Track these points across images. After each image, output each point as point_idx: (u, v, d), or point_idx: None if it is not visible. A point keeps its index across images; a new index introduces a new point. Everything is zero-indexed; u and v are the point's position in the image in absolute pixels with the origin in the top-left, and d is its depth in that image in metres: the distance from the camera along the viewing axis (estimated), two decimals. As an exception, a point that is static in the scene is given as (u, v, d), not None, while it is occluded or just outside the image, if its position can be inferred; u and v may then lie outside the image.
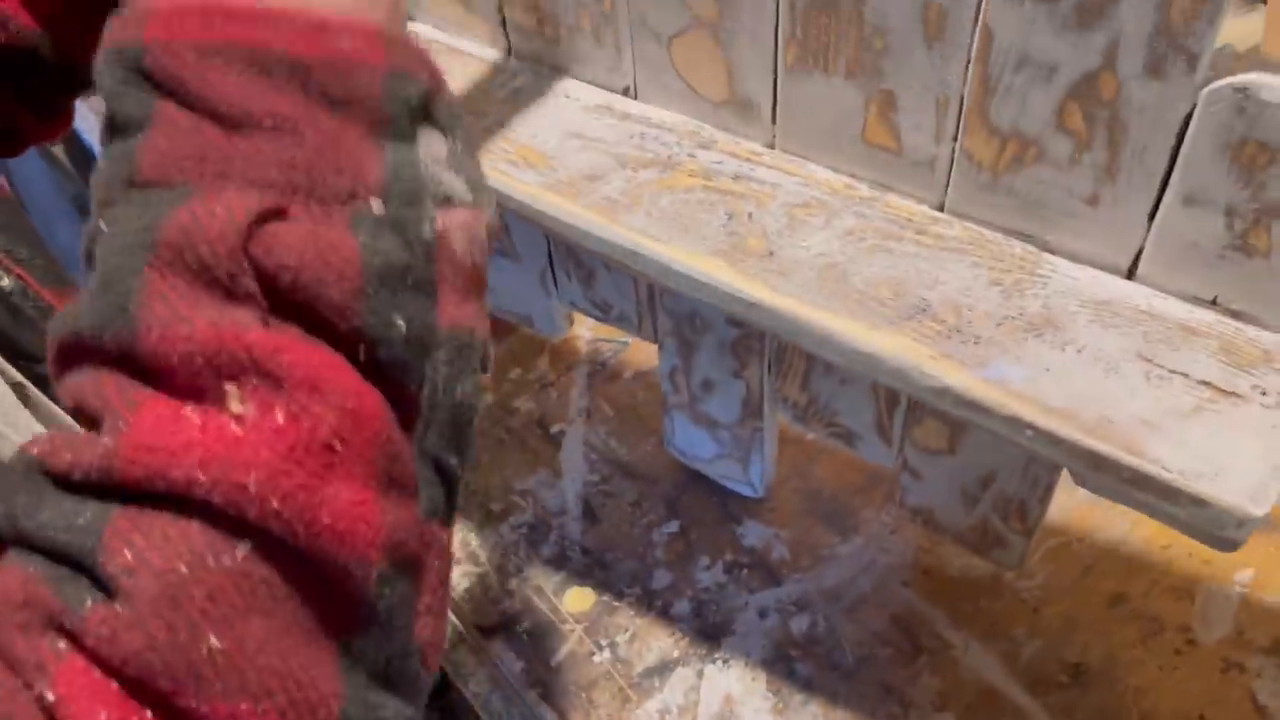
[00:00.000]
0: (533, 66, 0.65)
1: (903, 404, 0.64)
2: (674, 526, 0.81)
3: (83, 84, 0.66)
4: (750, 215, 0.55)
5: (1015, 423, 0.45)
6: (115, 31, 0.37)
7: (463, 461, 0.36)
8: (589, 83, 0.63)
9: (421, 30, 0.69)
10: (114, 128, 0.36)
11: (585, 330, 0.95)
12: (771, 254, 0.53)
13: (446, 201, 0.35)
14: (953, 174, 0.52)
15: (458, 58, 0.66)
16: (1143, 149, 0.45)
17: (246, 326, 0.32)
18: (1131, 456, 0.43)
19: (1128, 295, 0.49)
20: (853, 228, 0.53)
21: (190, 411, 0.31)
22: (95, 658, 0.29)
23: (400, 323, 0.33)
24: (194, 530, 0.30)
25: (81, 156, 1.43)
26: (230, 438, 0.31)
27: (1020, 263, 0.51)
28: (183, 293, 0.32)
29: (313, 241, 0.32)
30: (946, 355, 0.47)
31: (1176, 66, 0.42)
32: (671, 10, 0.56)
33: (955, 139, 0.50)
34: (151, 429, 0.31)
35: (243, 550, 0.30)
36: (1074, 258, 0.51)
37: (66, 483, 0.32)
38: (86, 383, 0.33)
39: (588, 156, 0.59)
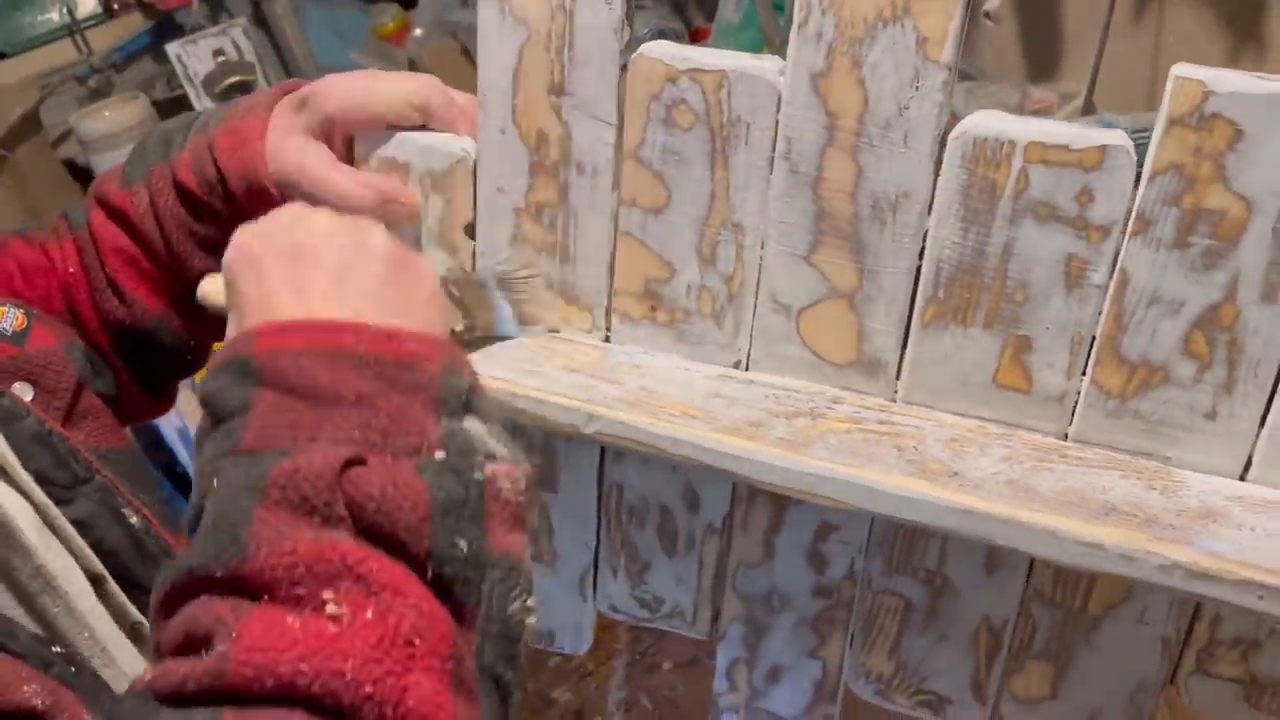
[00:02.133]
0: (630, 350, 0.69)
1: (1003, 652, 0.68)
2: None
3: (190, 368, 0.67)
4: (915, 448, 0.60)
5: (1246, 585, 0.51)
6: (225, 350, 0.46)
7: (515, 678, 0.42)
8: (697, 360, 0.68)
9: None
10: (217, 419, 0.45)
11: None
12: (956, 474, 0.58)
13: (491, 457, 0.44)
14: (1080, 405, 0.61)
15: (560, 342, 0.70)
16: (1257, 363, 0.57)
17: (340, 540, 0.39)
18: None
19: (1252, 492, 0.58)
20: (1007, 455, 0.60)
21: (293, 618, 0.37)
22: None
23: (462, 544, 0.41)
24: (297, 719, 0.35)
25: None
26: (329, 634, 0.36)
27: (1156, 474, 0.59)
28: (287, 521, 0.39)
29: (390, 479, 0.41)
30: (1159, 539, 0.53)
31: (1290, 290, 0.55)
32: (806, 284, 0.64)
33: (1085, 373, 0.60)
34: (260, 634, 0.36)
35: None
36: (1193, 468, 0.60)
37: (178, 697, 0.36)
38: (197, 609, 0.39)
39: (740, 411, 0.62)
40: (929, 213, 0.60)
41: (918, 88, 0.57)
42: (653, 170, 0.65)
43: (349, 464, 0.41)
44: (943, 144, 0.58)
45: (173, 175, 0.63)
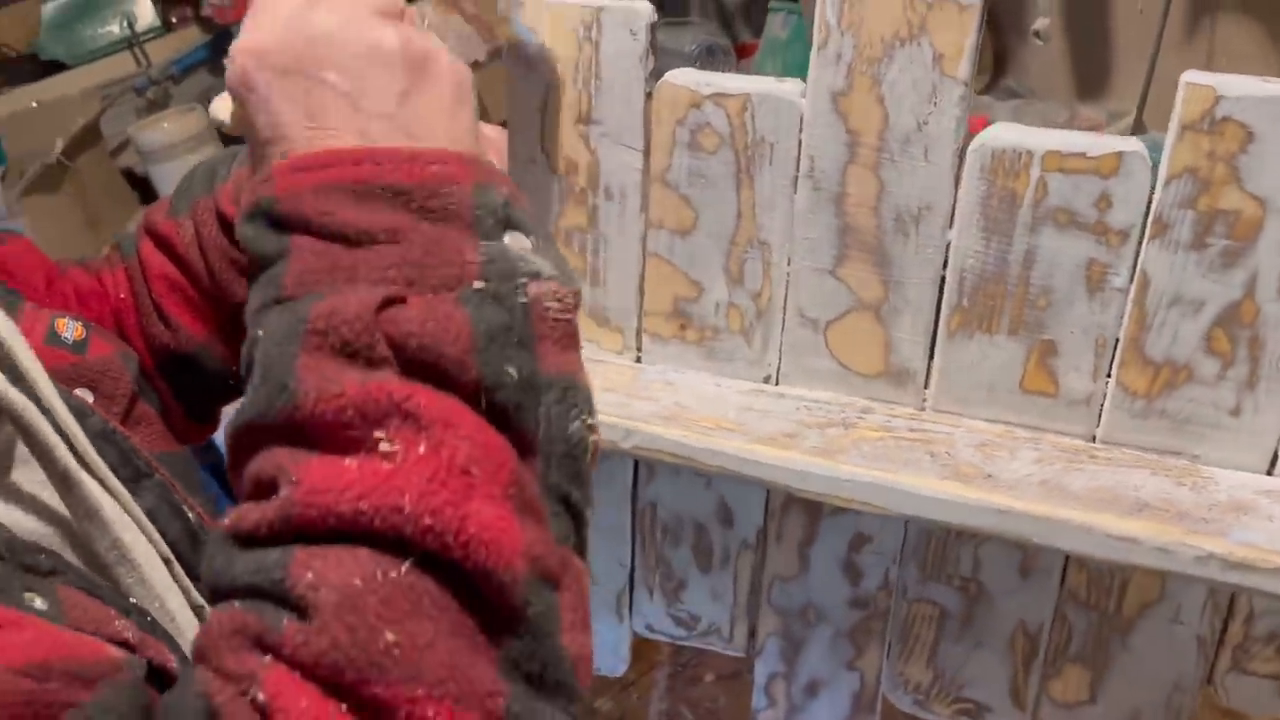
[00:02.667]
0: (662, 368, 0.71)
1: (1040, 657, 0.68)
2: None
3: (233, 392, 0.69)
4: (948, 453, 0.61)
5: (1280, 573, 0.52)
6: (249, 194, 0.46)
7: (584, 496, 0.42)
8: (727, 376, 0.70)
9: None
10: (259, 265, 0.45)
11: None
12: (989, 476, 0.59)
13: (535, 276, 0.43)
14: (1106, 406, 0.62)
15: (591, 363, 0.71)
16: (1278, 359, 0.58)
17: (386, 380, 0.39)
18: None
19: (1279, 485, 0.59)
20: (1038, 457, 0.61)
21: (349, 460, 0.38)
22: (294, 663, 0.35)
23: (511, 370, 0.40)
24: (363, 553, 0.36)
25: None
26: (384, 472, 0.37)
27: (1185, 471, 0.60)
28: (331, 365, 0.40)
29: (430, 314, 0.40)
30: (1194, 531, 0.54)
31: (1307, 286, 0.56)
32: (833, 297, 0.66)
33: (1110, 375, 0.61)
34: (319, 478, 0.37)
35: (406, 565, 0.36)
36: (1220, 465, 0.61)
37: (252, 538, 0.38)
38: (260, 460, 0.40)
39: (772, 423, 0.64)
40: (951, 224, 0.61)
41: (936, 103, 0.59)
42: (679, 193, 0.67)
43: (387, 303, 0.41)
44: (962, 156, 0.60)
45: (216, 206, 0.66)
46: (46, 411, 0.50)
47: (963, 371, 0.64)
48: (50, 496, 0.49)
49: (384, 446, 0.38)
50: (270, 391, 0.40)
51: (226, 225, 0.65)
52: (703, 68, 1.67)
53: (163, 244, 0.68)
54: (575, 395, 0.42)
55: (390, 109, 0.45)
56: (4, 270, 0.65)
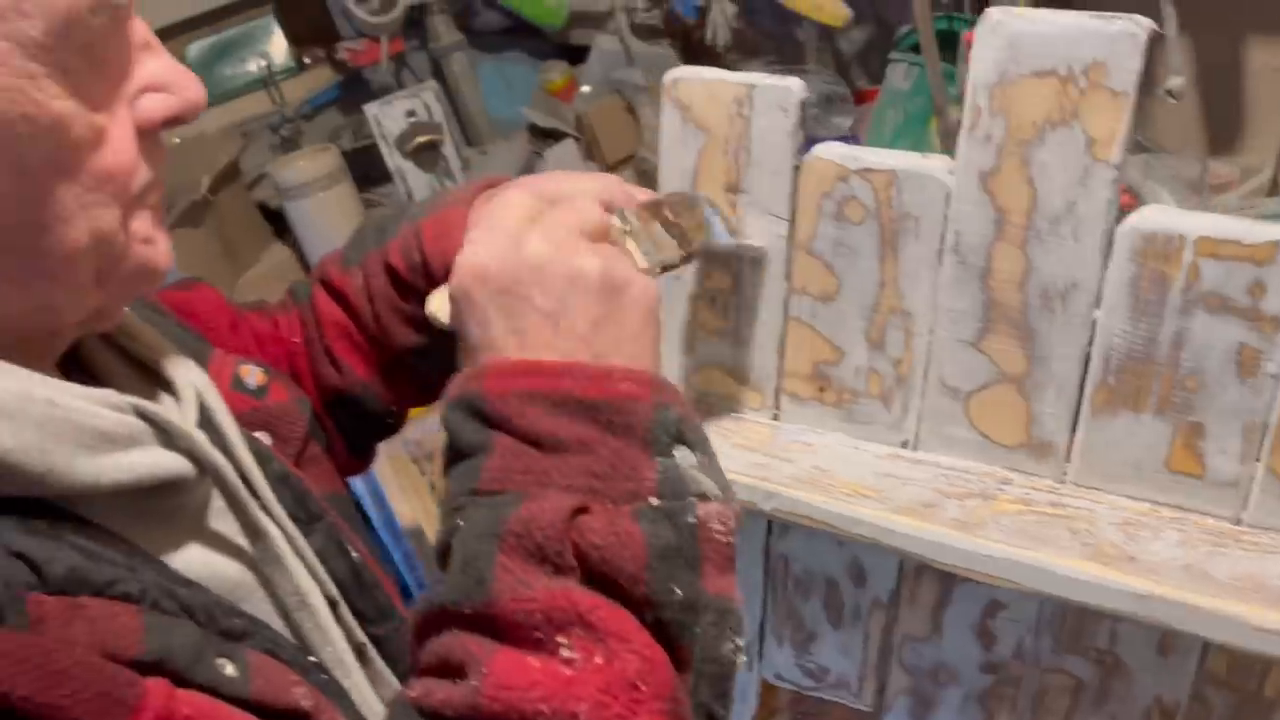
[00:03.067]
0: (800, 428, 0.73)
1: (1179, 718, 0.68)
2: None
3: (389, 430, 0.74)
4: (1088, 530, 0.61)
5: None
6: (459, 385, 0.52)
7: (727, 714, 0.46)
8: (864, 439, 0.71)
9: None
10: (457, 452, 0.50)
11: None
12: (1131, 558, 0.59)
13: (702, 497, 0.47)
14: (1254, 490, 0.61)
15: (731, 421, 0.74)
16: None
17: (572, 588, 0.44)
18: None
19: None
20: (1182, 539, 0.61)
21: (533, 659, 0.42)
22: None
23: (677, 590, 0.44)
24: None
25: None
26: (564, 677, 0.41)
27: (1337, 561, 0.59)
28: (524, 568, 0.44)
29: (612, 529, 0.45)
30: (1345, 627, 0.54)
31: None
32: (975, 369, 0.67)
33: (1259, 459, 0.61)
34: (505, 673, 0.42)
35: None
36: (1376, 556, 0.60)
37: (438, 716, 0.42)
38: (450, 641, 0.45)
39: (911, 490, 0.65)
40: (1098, 302, 0.62)
41: (1086, 185, 0.60)
42: (823, 261, 0.69)
43: (576, 512, 0.45)
44: (1111, 237, 0.60)
45: (384, 259, 0.71)
46: (240, 467, 0.55)
47: (1106, 448, 0.64)
48: (243, 545, 0.54)
49: (565, 653, 0.42)
50: (468, 583, 0.45)
51: (393, 276, 0.70)
52: (820, 115, 1.68)
53: (335, 292, 0.73)
54: (730, 619, 0.46)
55: (585, 330, 0.51)
56: (194, 315, 0.71)
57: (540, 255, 0.52)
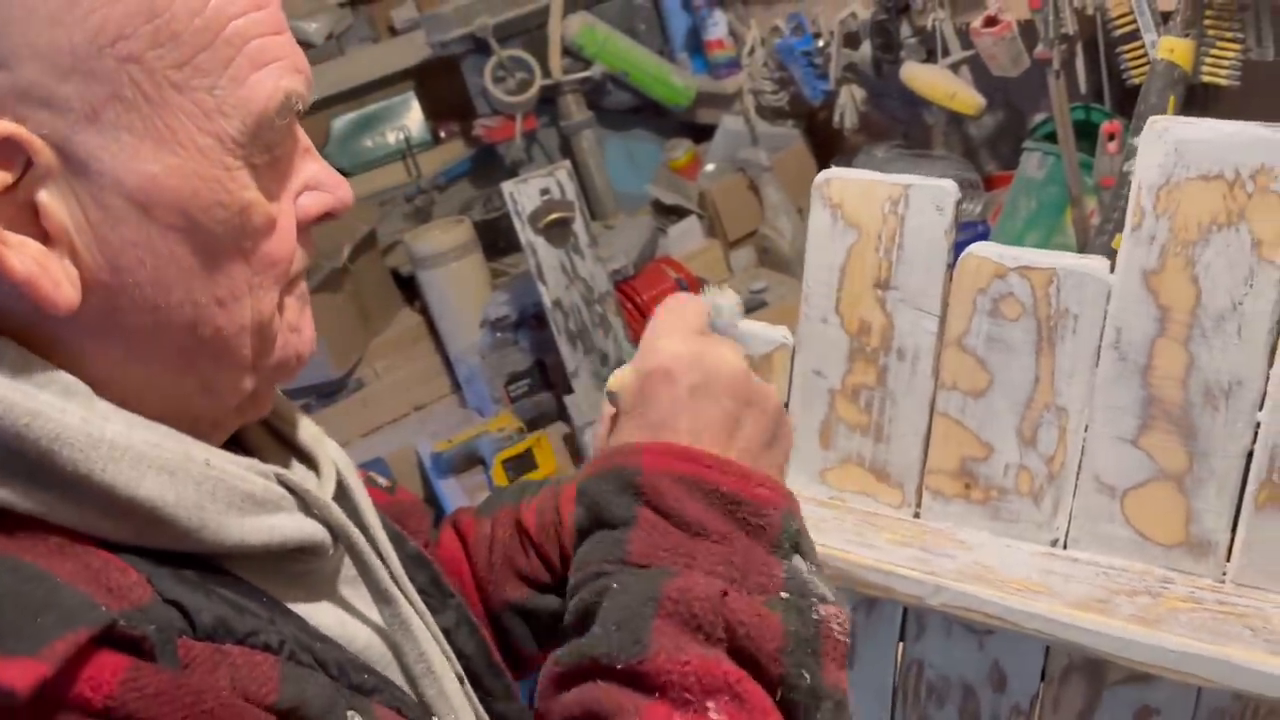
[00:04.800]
0: (947, 525, 0.72)
1: None
2: None
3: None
4: (1265, 627, 0.61)
5: None
6: (615, 457, 0.56)
7: None
8: (1011, 537, 0.71)
9: (819, 495, 0.76)
10: (599, 522, 0.54)
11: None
12: (1320, 655, 0.58)
13: (823, 599, 0.52)
14: None
15: (874, 517, 0.73)
16: None
17: (722, 661, 0.47)
18: None
19: None
20: (1361, 638, 0.61)
21: (681, 717, 0.45)
22: None
23: (806, 675, 0.48)
24: None
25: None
26: None
27: None
28: (679, 634, 0.48)
29: (754, 611, 0.49)
30: None
31: None
32: (1133, 465, 0.67)
33: None
34: None
35: None
36: None
37: None
38: (597, 693, 0.48)
39: (1079, 587, 0.65)
40: (1263, 401, 0.63)
41: (1252, 285, 0.62)
42: (976, 356, 0.70)
43: (723, 593, 0.49)
44: (1278, 335, 0.62)
45: (517, 516, 0.72)
46: (372, 539, 0.57)
47: (1270, 546, 0.64)
48: (371, 611, 0.56)
49: (713, 715, 0.46)
50: (624, 640, 0.48)
51: (522, 532, 0.71)
52: None
53: (459, 535, 0.75)
54: (843, 712, 0.50)
55: (756, 448, 0.57)
56: None
57: (735, 365, 0.58)
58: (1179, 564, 0.67)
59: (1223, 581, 0.66)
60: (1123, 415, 0.66)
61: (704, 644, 0.48)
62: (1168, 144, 0.62)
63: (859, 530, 0.70)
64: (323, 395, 1.95)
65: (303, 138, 0.55)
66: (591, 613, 0.51)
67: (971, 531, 0.72)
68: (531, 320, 1.81)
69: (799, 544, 0.53)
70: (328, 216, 0.56)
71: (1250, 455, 0.64)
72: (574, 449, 1.71)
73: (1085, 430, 0.68)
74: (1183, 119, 0.63)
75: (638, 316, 1.77)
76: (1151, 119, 0.63)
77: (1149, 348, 0.65)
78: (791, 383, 0.76)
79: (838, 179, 0.72)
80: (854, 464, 0.75)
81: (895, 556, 0.67)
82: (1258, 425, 0.63)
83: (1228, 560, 0.66)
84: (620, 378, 0.60)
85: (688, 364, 0.57)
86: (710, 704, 0.46)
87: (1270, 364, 0.62)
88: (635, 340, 1.63)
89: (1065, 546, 0.70)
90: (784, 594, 0.51)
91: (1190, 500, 0.66)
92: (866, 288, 0.72)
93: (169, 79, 0.46)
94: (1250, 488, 0.64)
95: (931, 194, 0.69)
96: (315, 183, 0.55)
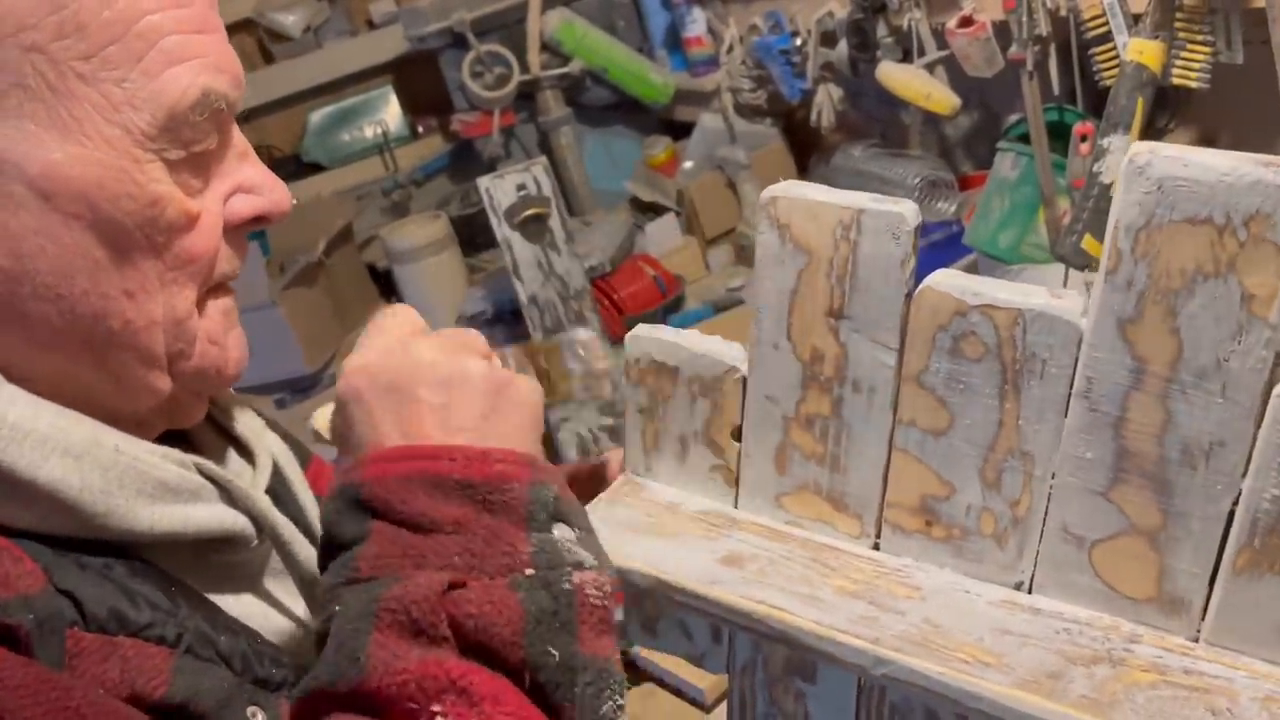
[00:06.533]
0: (905, 561, 0.68)
1: None
2: None
3: None
4: (1229, 710, 0.57)
5: None
6: (339, 478, 0.53)
7: None
8: (975, 578, 0.67)
9: (775, 521, 0.72)
10: (335, 545, 0.52)
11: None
12: (1283, 752, 0.54)
13: (579, 566, 0.50)
14: None
15: (829, 553, 0.69)
16: None
17: (445, 660, 0.45)
18: None
19: None
20: (1335, 722, 0.56)
21: None
22: None
23: (553, 652, 0.47)
24: None
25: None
26: None
27: None
28: (399, 642, 0.46)
29: (487, 598, 0.47)
30: None
31: None
32: (1102, 517, 0.61)
33: None
34: None
35: None
36: None
37: None
38: None
39: (1032, 653, 0.61)
40: (1247, 465, 0.56)
41: (1240, 342, 0.54)
42: (935, 395, 0.64)
43: (451, 586, 0.47)
44: (1266, 398, 0.55)
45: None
46: (308, 530, 0.58)
47: (1247, 610, 0.59)
48: (297, 604, 0.57)
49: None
50: (342, 662, 0.46)
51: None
52: (924, 200, 1.66)
53: None
54: (609, 678, 0.48)
55: (471, 424, 0.54)
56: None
57: (426, 356, 0.55)
58: (1150, 619, 0.63)
59: (1196, 641, 0.62)
60: (1093, 467, 0.61)
61: (426, 646, 0.46)
62: (1149, 181, 0.54)
63: (806, 576, 0.66)
64: (296, 390, 1.98)
65: (239, 141, 0.55)
66: (324, 641, 0.50)
67: (933, 570, 0.68)
68: (508, 316, 1.81)
69: (558, 510, 0.52)
70: (261, 220, 0.56)
71: (1231, 515, 0.58)
72: (548, 443, 1.71)
73: (1052, 478, 0.62)
74: (1169, 147, 0.54)
75: (614, 313, 1.77)
76: (1134, 147, 0.54)
77: (1123, 400, 0.58)
78: (744, 406, 0.70)
79: (784, 197, 0.64)
80: (810, 492, 0.71)
81: (839, 616, 0.63)
82: (1239, 490, 0.57)
83: (1202, 619, 0.61)
84: (319, 415, 0.59)
85: (371, 373, 0.54)
86: (436, 707, 0.44)
87: (1257, 427, 0.56)
88: (612, 336, 1.64)
89: (1030, 591, 0.66)
90: (530, 570, 0.49)
91: (1164, 557, 0.61)
92: (819, 315, 0.65)
93: (74, 70, 0.46)
94: (1229, 551, 0.59)
95: (887, 220, 0.61)
96: (249, 186, 0.55)
